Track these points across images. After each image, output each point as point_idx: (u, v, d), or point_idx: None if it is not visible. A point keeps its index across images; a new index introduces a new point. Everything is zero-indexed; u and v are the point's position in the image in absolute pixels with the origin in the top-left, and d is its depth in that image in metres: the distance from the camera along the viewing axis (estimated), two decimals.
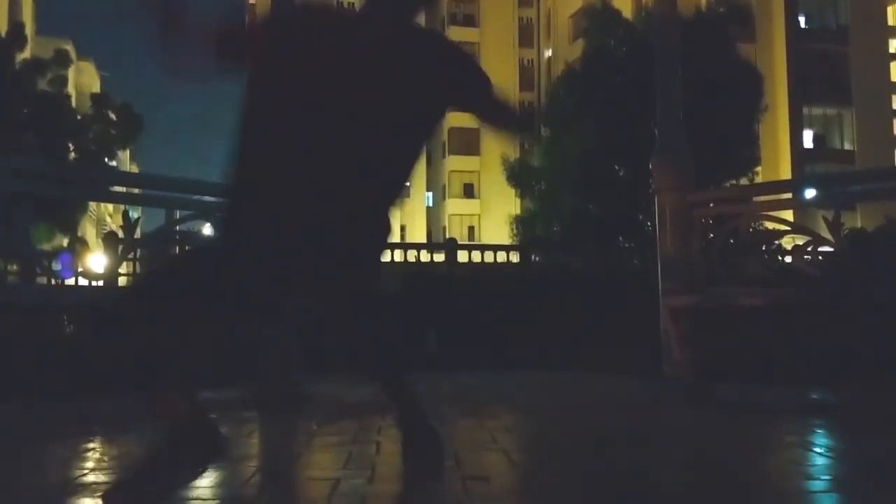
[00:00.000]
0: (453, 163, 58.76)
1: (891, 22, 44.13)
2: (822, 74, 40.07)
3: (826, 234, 4.20)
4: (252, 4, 60.92)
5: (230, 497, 2.10)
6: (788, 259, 4.67)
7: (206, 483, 2.32)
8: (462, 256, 12.31)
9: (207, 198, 4.61)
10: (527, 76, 57.39)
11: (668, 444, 3.11)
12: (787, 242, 4.57)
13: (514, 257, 15.40)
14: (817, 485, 2.26)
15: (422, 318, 8.57)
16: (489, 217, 53.03)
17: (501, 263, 12.03)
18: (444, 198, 60.73)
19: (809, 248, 4.34)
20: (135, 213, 4.44)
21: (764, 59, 27.76)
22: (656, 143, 4.84)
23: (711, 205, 4.87)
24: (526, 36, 58.18)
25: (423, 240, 51.57)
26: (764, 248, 4.96)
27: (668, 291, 4.60)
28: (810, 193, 5.11)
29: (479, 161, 56.77)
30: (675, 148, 4.76)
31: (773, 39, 40.42)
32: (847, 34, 41.48)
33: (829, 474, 2.44)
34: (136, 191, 4.74)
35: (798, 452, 2.77)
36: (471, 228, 56.58)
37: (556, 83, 21.15)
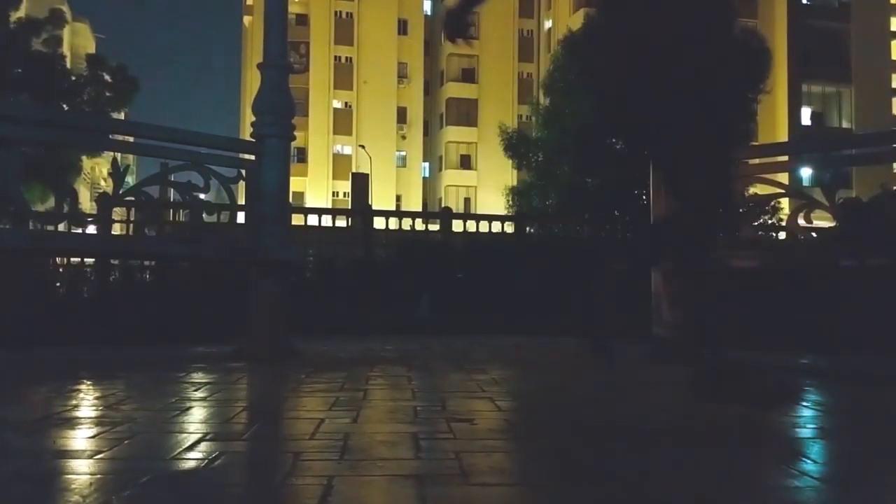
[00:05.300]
0: (451, 134, 58.51)
1: (893, 0, 43.88)
2: (823, 51, 39.93)
3: (821, 199, 4.19)
4: (249, 6, 60.14)
5: (214, 431, 2.09)
6: (783, 235, 4.66)
7: (191, 419, 2.32)
8: (457, 226, 12.27)
9: (202, 149, 4.57)
10: (526, 47, 57.00)
11: (654, 396, 3.12)
12: (784, 215, 4.56)
13: (509, 228, 15.39)
14: (804, 433, 2.26)
15: (416, 284, 8.58)
16: (486, 189, 52.84)
17: (496, 233, 11.99)
18: (440, 168, 60.53)
19: (802, 215, 4.33)
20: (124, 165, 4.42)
21: (765, 34, 27.55)
22: None
23: None
24: (526, 6, 57.70)
25: (419, 210, 51.52)
26: (760, 221, 4.94)
27: None
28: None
29: (477, 132, 56.54)
30: None
31: (775, 15, 40.22)
32: (849, 11, 41.28)
33: (816, 424, 2.44)
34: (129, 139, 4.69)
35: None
36: (467, 200, 56.48)
37: (558, 51, 20.99)
